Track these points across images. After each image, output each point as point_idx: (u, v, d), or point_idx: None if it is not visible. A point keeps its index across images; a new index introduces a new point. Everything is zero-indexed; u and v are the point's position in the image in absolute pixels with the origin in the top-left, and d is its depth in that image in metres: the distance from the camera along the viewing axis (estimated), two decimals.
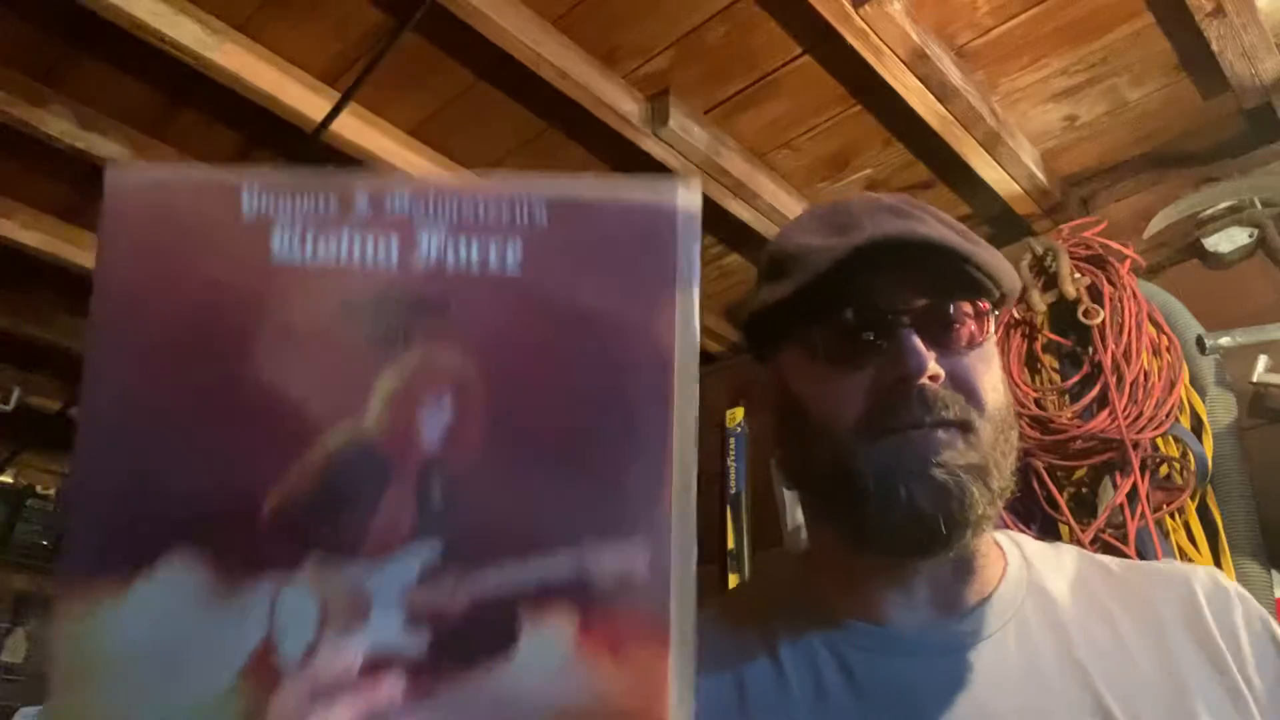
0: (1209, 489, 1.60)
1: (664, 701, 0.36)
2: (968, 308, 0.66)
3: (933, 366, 0.62)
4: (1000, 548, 0.72)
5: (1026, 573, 0.70)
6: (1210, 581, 0.68)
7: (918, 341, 0.63)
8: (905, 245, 0.63)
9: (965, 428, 0.63)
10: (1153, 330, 1.68)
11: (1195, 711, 0.60)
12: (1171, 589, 0.68)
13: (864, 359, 0.65)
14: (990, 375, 0.66)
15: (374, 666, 0.37)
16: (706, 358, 2.70)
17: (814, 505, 0.73)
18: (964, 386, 0.64)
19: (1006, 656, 0.63)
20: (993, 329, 0.68)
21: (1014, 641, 0.64)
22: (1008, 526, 1.66)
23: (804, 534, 0.76)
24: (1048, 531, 1.63)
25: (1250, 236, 1.78)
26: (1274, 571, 1.54)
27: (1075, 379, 1.70)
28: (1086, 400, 1.64)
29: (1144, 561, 0.74)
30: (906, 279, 0.65)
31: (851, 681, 0.64)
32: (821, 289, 0.64)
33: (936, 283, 0.65)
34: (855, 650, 0.66)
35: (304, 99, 1.75)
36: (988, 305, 0.67)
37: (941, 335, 0.65)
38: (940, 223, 0.68)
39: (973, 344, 0.66)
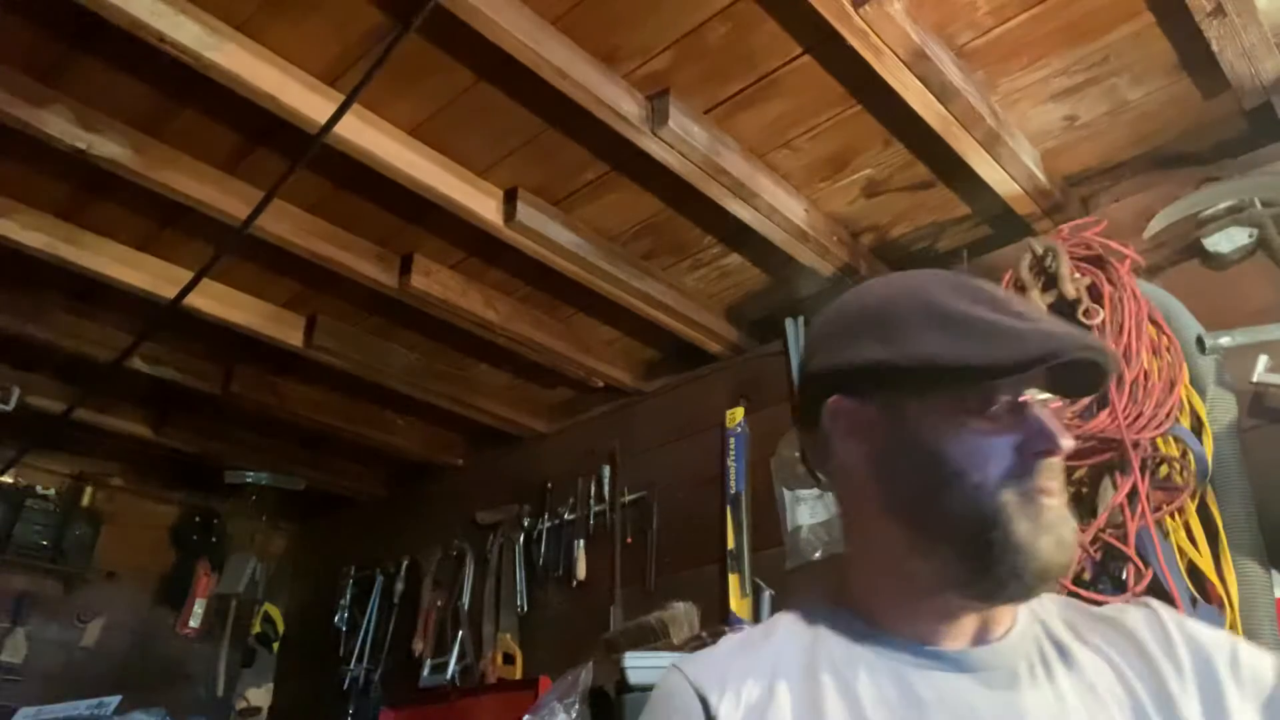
0: (1209, 489, 1.59)
1: None
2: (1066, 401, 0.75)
3: (1069, 444, 0.73)
4: None
5: (1030, 612, 0.81)
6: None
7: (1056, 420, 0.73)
8: (1090, 358, 0.73)
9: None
10: (1153, 330, 1.68)
11: (1172, 696, 0.73)
12: (1133, 616, 0.81)
13: (1014, 423, 0.74)
14: None
15: None
16: (706, 358, 2.70)
17: (922, 541, 0.76)
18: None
19: (1038, 685, 0.74)
20: None
21: (1040, 671, 0.75)
22: None
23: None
24: None
25: (1250, 236, 1.78)
26: (1274, 571, 1.54)
27: None
28: (1086, 400, 1.64)
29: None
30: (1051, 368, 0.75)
31: (908, 690, 0.73)
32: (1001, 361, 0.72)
33: (1060, 377, 0.76)
34: (908, 665, 0.75)
35: (304, 99, 1.75)
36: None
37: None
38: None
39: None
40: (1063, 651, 0.78)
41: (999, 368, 0.72)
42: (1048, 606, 0.83)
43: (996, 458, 0.73)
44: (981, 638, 0.77)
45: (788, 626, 0.82)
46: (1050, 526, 0.72)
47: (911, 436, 0.76)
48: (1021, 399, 0.74)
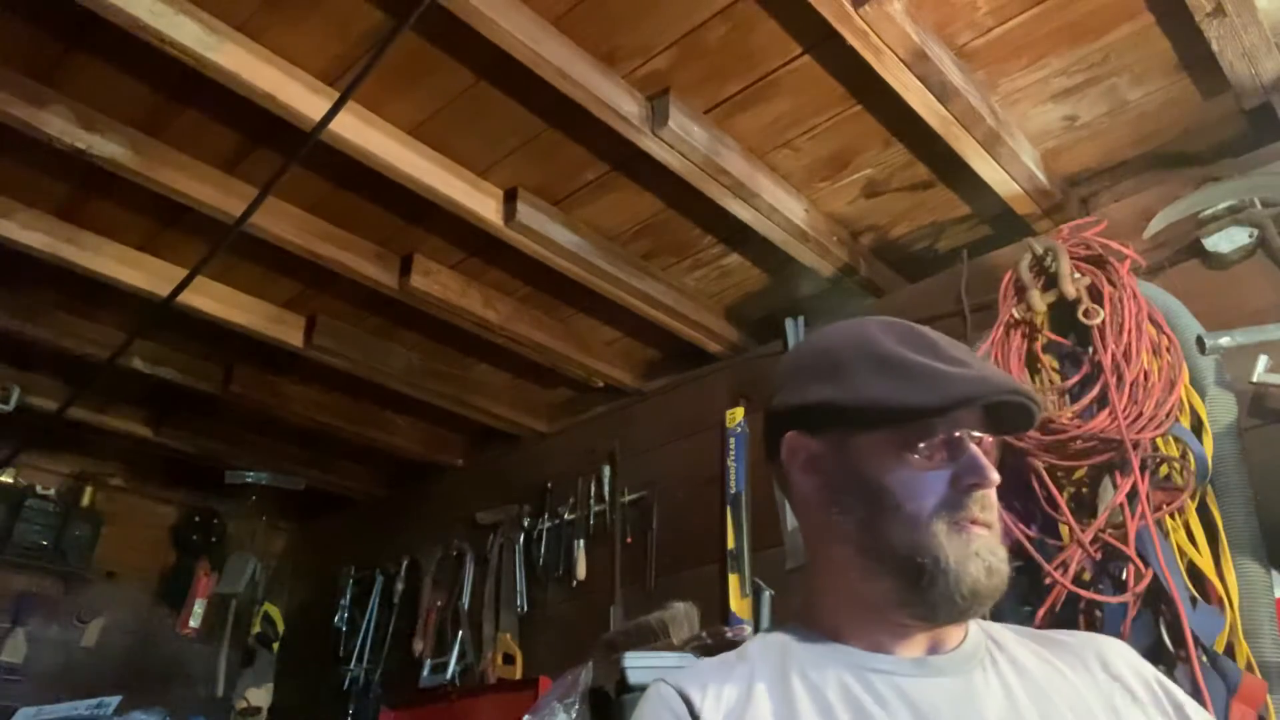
0: (1209, 489, 1.59)
1: None
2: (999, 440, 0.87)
3: (997, 478, 0.82)
4: None
5: (980, 628, 0.89)
6: (1107, 639, 0.92)
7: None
8: (1018, 400, 0.82)
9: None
10: (1153, 330, 1.67)
11: (1118, 709, 0.82)
12: (1083, 638, 0.91)
13: (948, 459, 0.82)
14: None
15: None
16: (707, 358, 2.70)
17: (868, 565, 0.83)
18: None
19: (989, 682, 0.82)
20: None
21: (991, 673, 0.83)
22: (1005, 529, 1.66)
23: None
24: (1048, 531, 1.63)
25: (1250, 236, 1.78)
26: (1274, 571, 1.54)
27: (1075, 379, 1.70)
28: (1086, 400, 1.63)
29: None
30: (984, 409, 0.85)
31: (871, 689, 0.80)
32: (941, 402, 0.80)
33: (995, 417, 0.85)
34: (869, 670, 0.81)
35: (304, 99, 1.75)
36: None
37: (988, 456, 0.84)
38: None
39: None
40: (1010, 658, 0.86)
41: (932, 408, 0.80)
42: (999, 629, 0.91)
43: (931, 490, 0.81)
44: (934, 650, 0.84)
45: (758, 645, 0.89)
46: (979, 554, 0.79)
47: (856, 469, 0.84)
48: (957, 435, 0.82)
